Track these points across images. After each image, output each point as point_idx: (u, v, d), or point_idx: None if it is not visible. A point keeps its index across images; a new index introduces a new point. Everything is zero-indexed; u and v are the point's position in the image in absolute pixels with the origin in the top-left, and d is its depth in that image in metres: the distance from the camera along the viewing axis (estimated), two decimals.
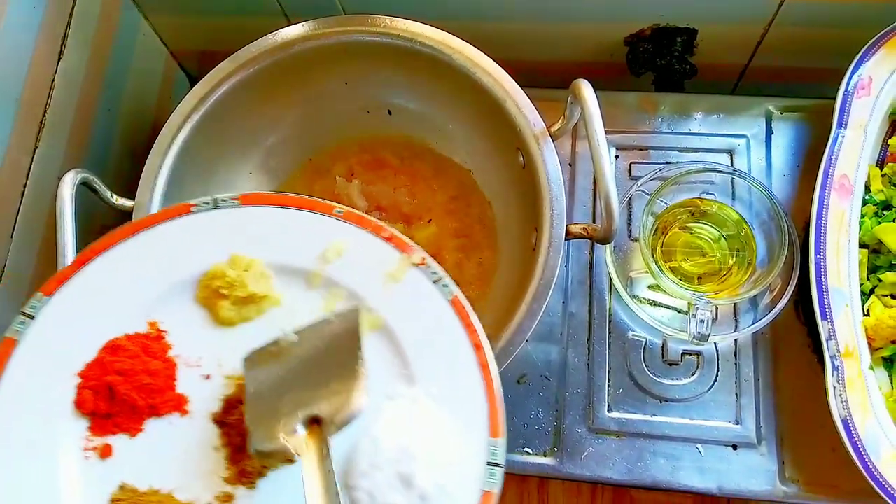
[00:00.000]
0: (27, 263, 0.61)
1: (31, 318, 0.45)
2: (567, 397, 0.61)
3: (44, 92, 0.61)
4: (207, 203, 0.48)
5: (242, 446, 0.44)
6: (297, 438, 0.41)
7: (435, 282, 0.47)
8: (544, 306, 0.50)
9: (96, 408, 0.45)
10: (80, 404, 0.45)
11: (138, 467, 0.44)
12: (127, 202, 0.55)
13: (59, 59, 0.62)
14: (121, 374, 0.45)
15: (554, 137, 0.54)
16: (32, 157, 0.60)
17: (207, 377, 0.47)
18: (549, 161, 0.53)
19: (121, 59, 0.71)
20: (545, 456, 0.60)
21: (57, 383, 0.45)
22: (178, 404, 0.46)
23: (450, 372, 0.45)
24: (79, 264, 0.47)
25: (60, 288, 0.46)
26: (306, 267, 0.48)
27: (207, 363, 0.47)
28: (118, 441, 0.45)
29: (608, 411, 0.60)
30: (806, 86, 0.73)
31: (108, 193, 0.54)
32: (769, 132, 0.67)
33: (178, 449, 0.45)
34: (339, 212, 0.48)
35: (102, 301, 0.47)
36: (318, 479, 0.40)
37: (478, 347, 0.46)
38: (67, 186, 0.50)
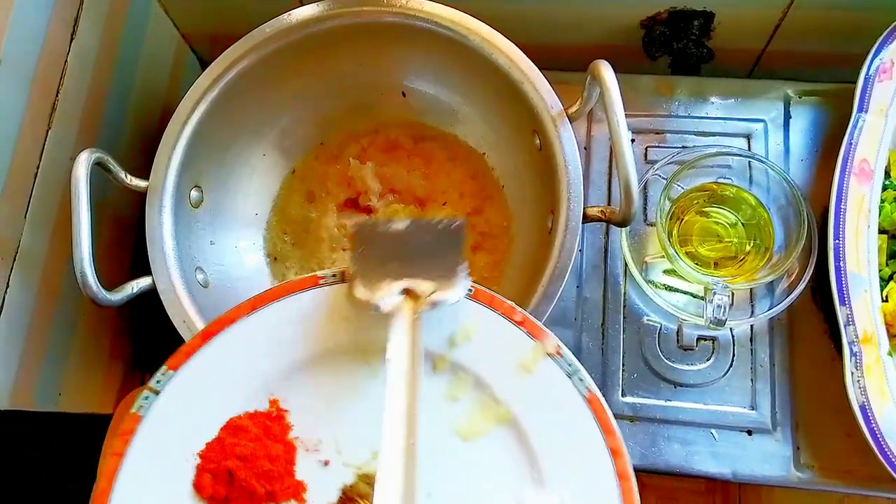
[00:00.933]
0: (41, 243, 0.60)
1: (157, 393, 0.45)
2: None
3: (57, 72, 0.61)
4: (335, 276, 0.47)
5: None
6: (394, 299, 0.44)
7: (570, 375, 0.44)
8: (561, 290, 0.50)
9: (215, 492, 0.44)
10: (199, 487, 0.44)
11: None
12: (141, 182, 0.54)
13: (72, 40, 0.62)
14: (241, 458, 0.44)
15: (571, 119, 0.53)
16: (45, 138, 0.60)
17: (326, 463, 0.45)
18: (567, 143, 0.52)
19: (132, 41, 0.71)
20: None
21: (178, 463, 0.44)
22: (296, 492, 0.45)
23: (584, 478, 0.42)
24: (205, 337, 0.46)
25: (187, 362, 0.45)
26: (433, 349, 0.45)
27: (326, 448, 0.46)
28: None
29: (622, 396, 0.60)
30: (823, 70, 0.73)
31: (122, 174, 0.53)
32: (787, 116, 0.66)
33: None
34: (470, 290, 0.46)
35: (227, 376, 0.46)
36: (407, 340, 0.42)
37: (616, 453, 0.42)
38: (82, 166, 0.50)
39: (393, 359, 0.41)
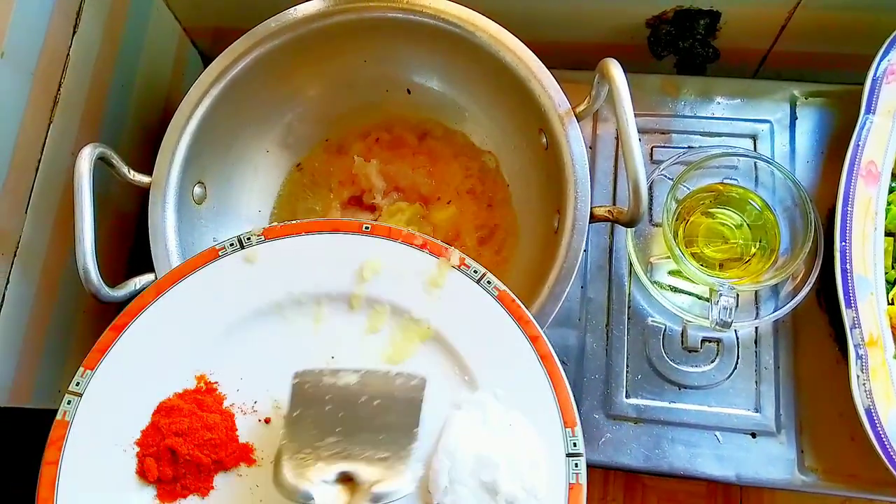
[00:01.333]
0: (41, 238, 0.60)
1: (80, 395, 0.45)
2: (585, 383, 0.60)
3: (59, 66, 0.60)
4: (233, 245, 0.47)
5: None
6: (328, 489, 0.39)
7: (478, 281, 0.46)
8: (567, 290, 0.49)
9: (161, 474, 0.44)
10: (143, 473, 0.44)
11: None
12: (144, 178, 0.54)
13: (74, 33, 0.61)
14: (179, 434, 0.44)
15: (579, 118, 0.53)
16: (47, 132, 0.59)
17: (267, 421, 0.46)
18: (574, 142, 0.52)
19: (134, 35, 0.70)
20: None
21: (116, 457, 0.44)
22: (244, 455, 0.46)
23: (512, 370, 0.45)
24: (116, 330, 0.46)
25: (103, 359, 0.46)
26: (345, 290, 0.47)
27: (263, 405, 0.46)
28: (190, 503, 0.44)
29: (626, 397, 0.59)
30: (830, 71, 0.72)
31: (124, 169, 0.53)
32: (793, 117, 0.66)
33: (253, 499, 0.45)
34: (367, 228, 0.47)
35: (147, 364, 0.46)
36: None
37: (534, 339, 0.45)
38: (85, 161, 0.49)
39: None
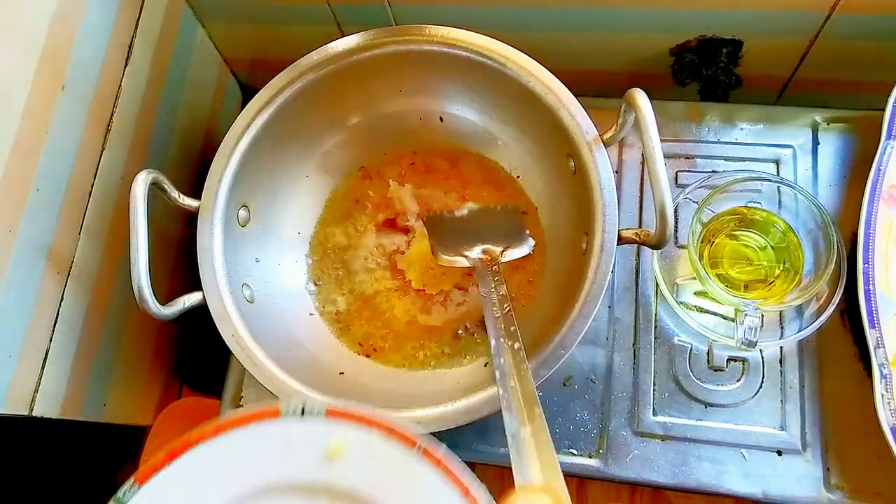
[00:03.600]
0: (94, 258, 0.63)
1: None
2: (612, 400, 0.62)
3: (111, 96, 0.64)
4: (296, 410, 0.47)
5: None
6: (474, 256, 0.59)
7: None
8: (596, 310, 0.51)
9: None
10: None
11: None
12: (193, 202, 0.57)
13: (126, 65, 0.65)
14: None
15: (606, 144, 0.55)
16: (100, 158, 0.63)
17: None
18: (602, 167, 0.54)
19: (179, 66, 0.74)
20: (590, 457, 0.60)
21: None
22: None
23: None
24: (170, 456, 0.47)
25: (152, 477, 0.46)
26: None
27: None
28: None
29: (653, 415, 0.61)
30: (851, 97, 0.74)
31: (174, 193, 0.56)
32: (815, 142, 0.67)
33: None
34: (419, 447, 0.45)
35: (187, 495, 0.47)
36: (491, 285, 0.55)
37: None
38: (140, 186, 0.52)
39: (485, 296, 0.54)
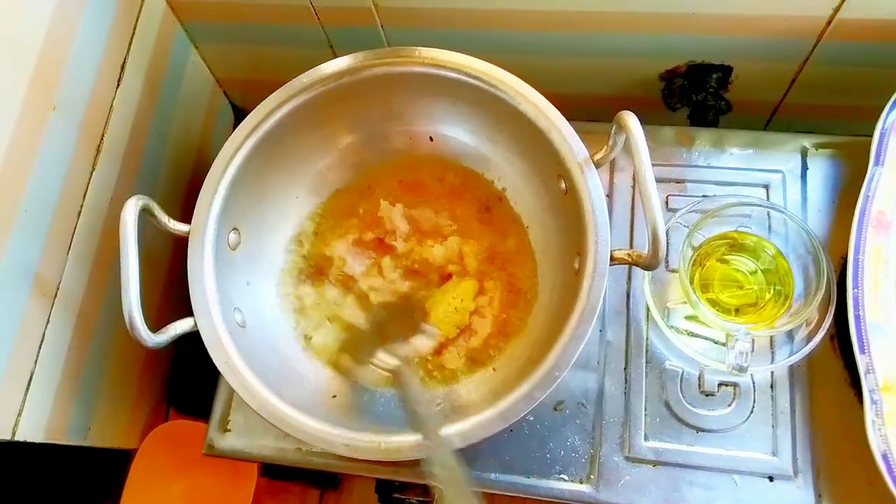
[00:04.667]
0: (80, 282, 0.63)
1: None
2: (604, 425, 0.61)
3: (103, 117, 0.64)
4: None
5: None
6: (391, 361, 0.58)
7: None
8: (589, 331, 0.51)
9: None
10: None
11: None
12: (183, 227, 0.56)
13: (118, 86, 0.65)
14: None
15: (597, 165, 0.55)
16: (89, 180, 0.62)
17: None
18: (593, 188, 0.54)
19: (171, 86, 0.74)
20: (581, 483, 0.60)
21: None
22: None
23: None
24: None
25: None
26: None
27: None
28: None
29: (645, 440, 0.60)
30: (839, 122, 0.75)
31: (164, 218, 0.55)
32: (804, 168, 0.68)
33: None
34: None
35: None
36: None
37: None
38: (130, 212, 0.51)
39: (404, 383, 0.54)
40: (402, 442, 0.50)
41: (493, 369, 0.61)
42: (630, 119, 0.51)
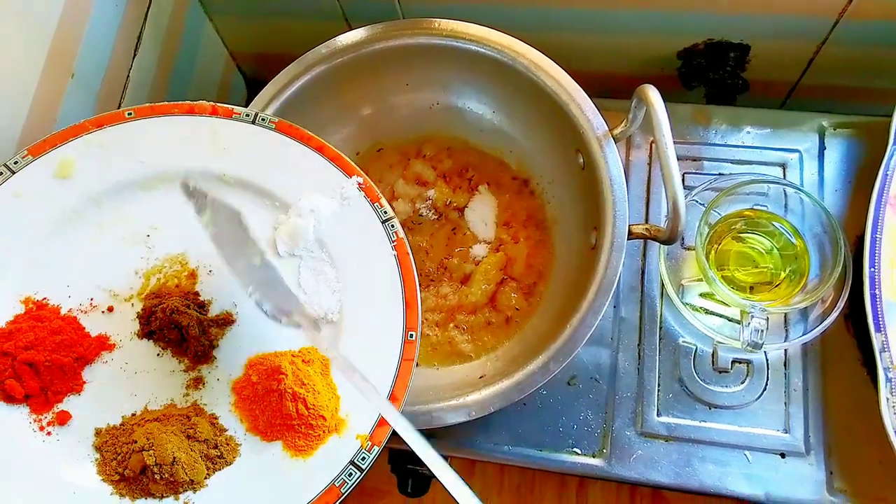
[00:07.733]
0: None
1: None
2: (617, 400, 0.61)
3: (119, 86, 0.63)
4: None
5: (180, 340, 0.47)
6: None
7: (253, 121, 0.54)
8: (606, 304, 0.51)
9: (28, 389, 0.45)
10: (10, 395, 0.45)
11: (101, 409, 0.46)
12: None
13: (134, 57, 0.65)
14: (30, 347, 0.45)
15: (616, 140, 0.55)
16: None
17: (110, 309, 0.49)
18: (612, 162, 0.54)
19: (186, 58, 0.74)
20: (594, 457, 0.60)
21: None
22: (102, 344, 0.48)
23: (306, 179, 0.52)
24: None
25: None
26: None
27: (99, 298, 0.49)
28: (68, 403, 0.46)
29: (657, 415, 0.61)
30: (857, 103, 0.74)
31: None
32: (822, 147, 0.67)
33: (127, 376, 0.47)
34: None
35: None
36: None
37: (320, 149, 0.53)
38: None
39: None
40: None
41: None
42: (651, 91, 0.50)
